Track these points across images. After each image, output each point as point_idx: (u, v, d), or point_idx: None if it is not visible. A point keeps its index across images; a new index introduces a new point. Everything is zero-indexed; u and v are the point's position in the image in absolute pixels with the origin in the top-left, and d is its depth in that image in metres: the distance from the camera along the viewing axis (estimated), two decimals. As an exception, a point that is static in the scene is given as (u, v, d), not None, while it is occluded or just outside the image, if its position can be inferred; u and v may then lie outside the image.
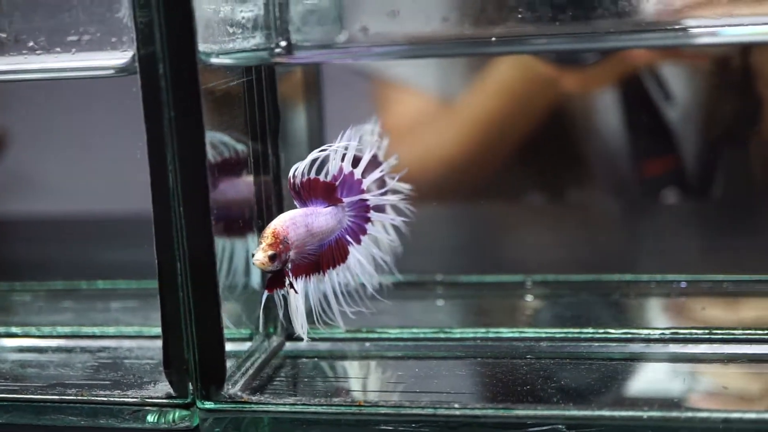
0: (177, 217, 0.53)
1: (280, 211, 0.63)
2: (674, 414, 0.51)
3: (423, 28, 0.64)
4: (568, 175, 1.24)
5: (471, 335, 0.63)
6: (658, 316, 0.71)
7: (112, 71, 0.58)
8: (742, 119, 1.15)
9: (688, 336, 0.61)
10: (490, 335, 0.63)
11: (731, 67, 1.09)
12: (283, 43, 0.63)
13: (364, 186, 0.57)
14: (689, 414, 0.50)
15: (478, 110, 1.16)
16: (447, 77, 1.27)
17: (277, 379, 0.59)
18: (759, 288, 0.72)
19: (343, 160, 0.56)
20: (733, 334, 0.61)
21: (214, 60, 0.55)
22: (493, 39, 0.64)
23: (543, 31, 0.61)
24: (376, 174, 0.58)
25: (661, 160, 1.16)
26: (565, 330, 0.63)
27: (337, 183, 0.56)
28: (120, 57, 0.57)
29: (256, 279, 0.62)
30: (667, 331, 0.61)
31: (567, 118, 1.22)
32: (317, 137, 0.74)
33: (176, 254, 0.53)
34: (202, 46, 0.52)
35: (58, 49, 0.58)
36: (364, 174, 0.57)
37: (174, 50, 0.52)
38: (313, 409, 0.54)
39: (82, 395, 0.57)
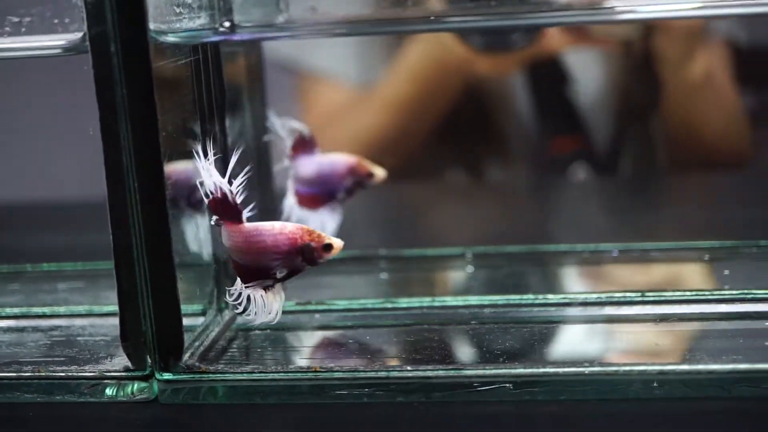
0: (132, 193, 0.54)
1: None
2: (612, 369, 0.54)
3: (360, 10, 0.66)
4: (484, 153, 1.27)
5: (417, 304, 0.66)
6: (592, 282, 0.74)
7: (59, 50, 0.59)
8: (646, 99, 1.20)
9: (622, 299, 0.65)
10: (436, 304, 0.66)
11: (635, 50, 1.14)
12: (227, 24, 0.65)
13: None
14: (627, 368, 0.54)
15: (394, 95, 1.19)
16: (366, 64, 1.29)
17: (232, 350, 0.61)
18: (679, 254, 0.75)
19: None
20: (663, 296, 0.64)
21: (163, 39, 0.56)
22: (431, 18, 0.67)
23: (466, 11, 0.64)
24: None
25: (569, 138, 1.20)
26: (507, 297, 0.66)
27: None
28: (69, 37, 0.58)
29: (207, 255, 0.63)
30: (602, 295, 0.65)
31: (482, 100, 1.25)
32: (260, 119, 0.75)
33: (132, 230, 0.54)
34: (152, 25, 0.54)
35: (8, 29, 0.58)
36: None
37: (125, 29, 0.53)
38: (270, 376, 0.55)
39: (39, 372, 0.57)
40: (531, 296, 0.65)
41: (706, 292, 0.64)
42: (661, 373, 0.53)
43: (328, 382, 0.55)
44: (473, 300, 0.65)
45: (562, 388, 0.53)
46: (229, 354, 0.60)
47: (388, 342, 0.62)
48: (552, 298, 0.65)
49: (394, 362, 0.57)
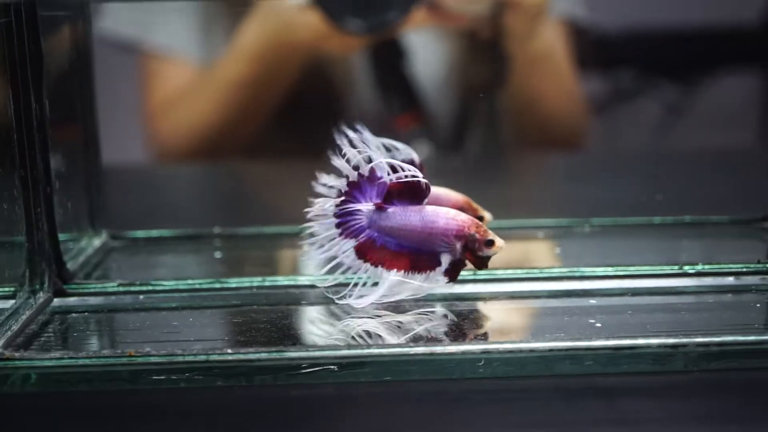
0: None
1: (45, 160, 0.60)
2: (438, 349, 0.53)
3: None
4: (326, 132, 1.25)
5: (247, 284, 0.63)
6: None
7: None
8: (491, 76, 1.21)
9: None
10: (266, 284, 0.64)
11: (483, 27, 1.15)
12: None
13: None
14: (452, 348, 0.53)
15: (231, 76, 1.16)
16: (210, 41, 1.25)
17: (45, 334, 0.57)
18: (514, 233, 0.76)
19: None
20: (494, 274, 0.64)
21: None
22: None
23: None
24: None
25: (410, 116, 1.20)
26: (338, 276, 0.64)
27: None
28: None
29: (18, 236, 0.59)
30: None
31: (324, 79, 1.24)
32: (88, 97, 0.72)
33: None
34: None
35: None
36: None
37: None
38: (81, 362, 0.52)
39: None
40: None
41: (536, 271, 0.65)
42: (485, 352, 0.53)
43: (144, 367, 0.52)
44: (303, 279, 0.64)
45: (386, 368, 0.52)
46: (42, 338, 0.57)
47: (213, 324, 0.59)
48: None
49: (216, 345, 0.55)
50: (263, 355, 0.52)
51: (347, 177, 0.58)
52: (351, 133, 0.58)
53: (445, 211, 0.58)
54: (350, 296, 0.58)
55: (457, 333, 0.57)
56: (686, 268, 0.65)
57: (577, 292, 0.63)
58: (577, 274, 0.64)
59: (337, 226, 0.59)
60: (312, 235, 0.59)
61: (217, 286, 0.63)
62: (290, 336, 0.56)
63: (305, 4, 1.06)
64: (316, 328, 0.58)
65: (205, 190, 0.91)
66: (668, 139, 1.82)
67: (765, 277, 0.65)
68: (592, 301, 0.61)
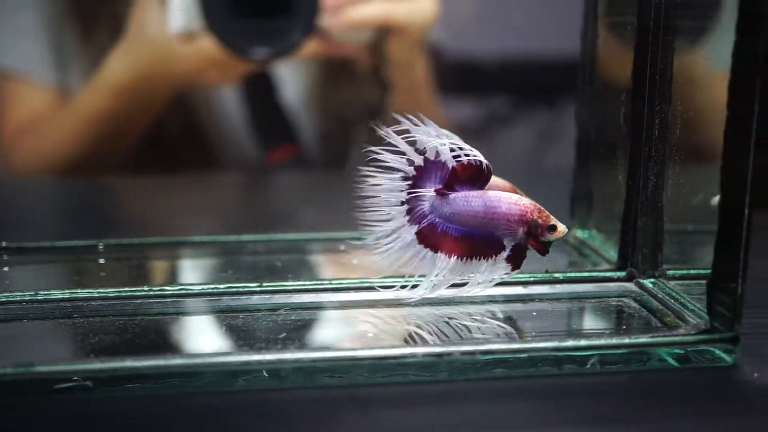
0: None
1: None
2: (196, 361, 0.52)
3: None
4: (193, 161, 1.23)
5: (18, 299, 0.60)
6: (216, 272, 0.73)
7: None
8: (373, 104, 1.21)
9: (240, 289, 0.63)
10: (39, 297, 0.61)
11: (367, 56, 1.15)
12: None
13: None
14: (210, 360, 0.52)
15: (93, 109, 1.12)
16: (62, 64, 1.21)
17: None
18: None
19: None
20: (283, 285, 0.63)
21: None
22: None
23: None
24: None
25: (286, 148, 1.19)
26: (121, 289, 0.62)
27: None
28: None
29: None
30: (221, 285, 0.63)
31: (193, 113, 1.21)
32: None
33: None
34: None
35: None
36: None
37: None
38: None
39: None
40: (146, 288, 0.62)
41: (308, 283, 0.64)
42: (245, 363, 0.51)
43: None
44: (81, 293, 0.61)
45: (142, 383, 0.50)
46: None
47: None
48: (169, 290, 0.62)
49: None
50: (9, 371, 0.50)
51: (413, 162, 0.57)
52: (411, 120, 0.57)
53: (507, 195, 0.58)
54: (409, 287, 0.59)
55: (226, 344, 0.55)
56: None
57: (364, 303, 0.62)
58: (365, 284, 0.64)
59: (405, 212, 0.58)
60: (375, 222, 0.59)
61: None
62: (45, 350, 0.54)
63: (186, 35, 1.03)
64: (81, 342, 0.55)
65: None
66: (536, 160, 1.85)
67: (553, 286, 0.65)
68: (372, 311, 0.61)
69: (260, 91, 1.17)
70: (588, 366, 0.54)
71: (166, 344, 0.57)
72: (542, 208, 0.58)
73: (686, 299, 0.60)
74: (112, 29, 1.11)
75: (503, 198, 0.58)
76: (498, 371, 0.54)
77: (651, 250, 0.64)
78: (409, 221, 0.59)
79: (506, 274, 0.59)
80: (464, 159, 0.57)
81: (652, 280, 0.64)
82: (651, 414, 0.50)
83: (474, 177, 0.58)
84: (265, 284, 0.63)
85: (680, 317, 0.59)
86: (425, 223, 0.59)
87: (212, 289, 0.62)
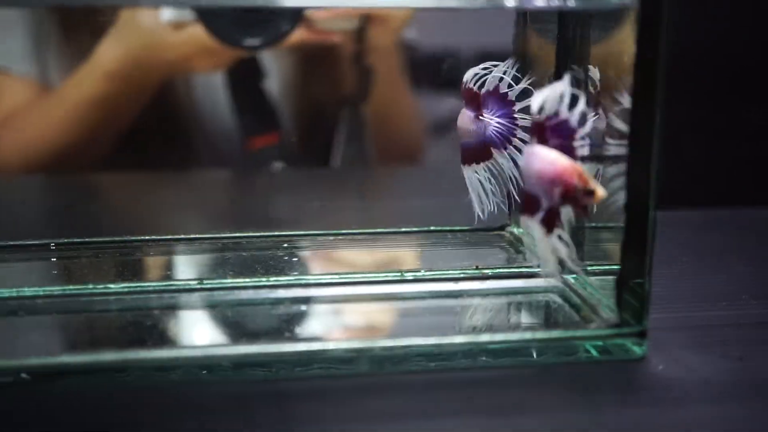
0: None
1: None
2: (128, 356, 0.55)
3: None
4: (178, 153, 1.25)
5: (-33, 297, 0.63)
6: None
7: None
8: (355, 91, 1.24)
9: (182, 287, 0.66)
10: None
11: (348, 42, 1.17)
12: None
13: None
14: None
15: (86, 95, 1.14)
16: (43, 59, 1.23)
17: None
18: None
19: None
20: (223, 283, 0.66)
21: None
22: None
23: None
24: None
25: (269, 135, 1.21)
26: (67, 287, 0.65)
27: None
28: None
29: None
30: (160, 283, 0.66)
31: (178, 97, 1.24)
32: None
33: None
34: None
35: None
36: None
37: None
38: None
39: None
40: (90, 286, 0.65)
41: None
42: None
43: None
44: (28, 291, 0.64)
45: (76, 378, 0.53)
46: None
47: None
48: (113, 287, 0.65)
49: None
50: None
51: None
52: None
53: (546, 153, 0.56)
54: None
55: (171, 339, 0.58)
56: (407, 275, 0.68)
57: (301, 300, 0.65)
58: (302, 281, 0.67)
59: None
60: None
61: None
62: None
63: (176, 23, 1.06)
64: (22, 338, 0.58)
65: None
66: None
67: (483, 282, 0.68)
68: (303, 308, 0.64)
69: (246, 77, 1.20)
70: (502, 359, 0.57)
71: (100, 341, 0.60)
72: (582, 171, 0.55)
73: (602, 294, 0.62)
74: (94, 24, 1.13)
75: (540, 155, 0.56)
76: (416, 365, 0.57)
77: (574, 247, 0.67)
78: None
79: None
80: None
81: (575, 276, 0.67)
82: (552, 404, 0.53)
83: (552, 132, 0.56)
84: (204, 282, 0.66)
85: (596, 312, 0.62)
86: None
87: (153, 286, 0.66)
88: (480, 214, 0.68)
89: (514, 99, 0.67)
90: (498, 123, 0.67)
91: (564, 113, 0.56)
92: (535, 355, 0.58)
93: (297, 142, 1.27)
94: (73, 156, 1.16)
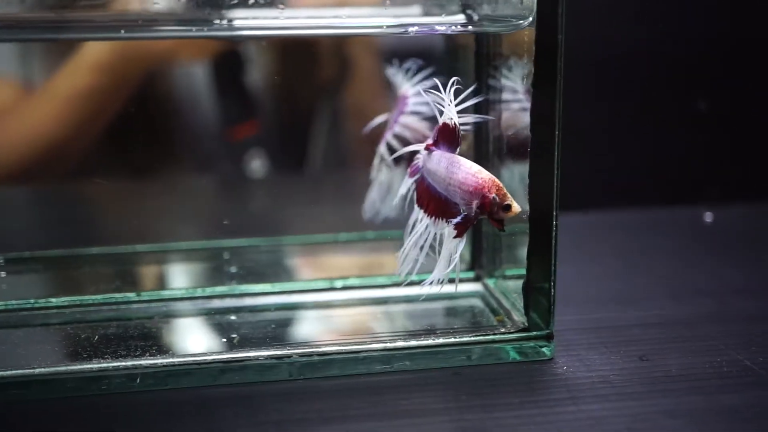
0: None
1: None
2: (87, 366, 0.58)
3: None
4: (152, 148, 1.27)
5: None
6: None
7: None
8: (334, 84, 1.26)
9: (121, 300, 0.69)
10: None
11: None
12: None
13: None
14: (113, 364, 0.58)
15: (75, 86, 1.16)
16: (26, 58, 1.25)
17: None
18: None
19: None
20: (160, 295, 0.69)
21: None
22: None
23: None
24: None
25: (249, 125, 1.23)
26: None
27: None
28: None
29: None
30: (101, 297, 0.69)
31: (163, 91, 1.26)
32: None
33: None
34: None
35: None
36: None
37: None
38: None
39: None
40: (32, 301, 0.68)
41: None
42: (144, 367, 0.58)
43: None
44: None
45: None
46: None
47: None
48: (54, 301, 0.69)
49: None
50: None
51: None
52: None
53: (469, 165, 0.58)
54: None
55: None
56: (336, 283, 0.71)
57: (222, 310, 0.68)
58: (236, 291, 0.70)
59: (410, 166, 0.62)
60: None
61: None
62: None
63: None
64: None
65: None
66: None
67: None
68: (233, 318, 0.67)
69: (228, 68, 1.22)
70: (414, 363, 0.61)
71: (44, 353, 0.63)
72: (501, 186, 0.57)
73: (514, 298, 0.66)
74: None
75: (465, 167, 0.58)
76: (334, 371, 0.60)
77: (492, 252, 0.70)
78: (409, 174, 0.61)
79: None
80: (448, 120, 0.58)
81: (494, 280, 0.70)
82: (458, 406, 0.56)
83: (449, 139, 0.58)
84: (143, 294, 0.69)
85: (509, 315, 0.65)
86: (418, 176, 0.61)
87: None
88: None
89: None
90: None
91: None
92: (452, 358, 0.61)
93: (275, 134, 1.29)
94: (63, 150, 1.18)
